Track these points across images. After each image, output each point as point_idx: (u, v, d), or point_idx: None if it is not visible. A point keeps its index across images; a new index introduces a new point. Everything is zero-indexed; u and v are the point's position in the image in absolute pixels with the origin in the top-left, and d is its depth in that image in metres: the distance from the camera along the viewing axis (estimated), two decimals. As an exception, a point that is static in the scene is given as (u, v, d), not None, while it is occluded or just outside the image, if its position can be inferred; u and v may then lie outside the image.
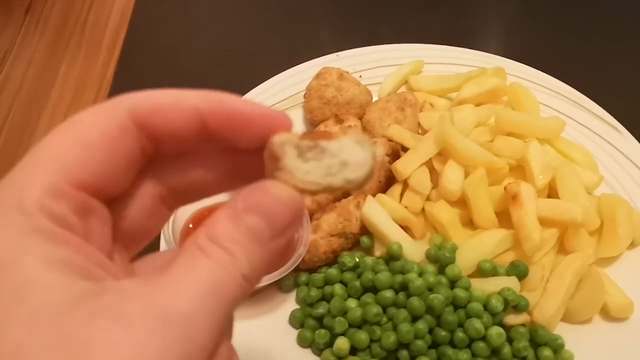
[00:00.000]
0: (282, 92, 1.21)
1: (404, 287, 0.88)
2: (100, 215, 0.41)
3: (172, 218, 0.88)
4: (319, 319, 0.90)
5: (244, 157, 0.47)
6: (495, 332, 0.84)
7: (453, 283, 0.89)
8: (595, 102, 1.20)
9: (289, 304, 0.95)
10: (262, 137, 0.44)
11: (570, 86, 1.23)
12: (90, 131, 0.40)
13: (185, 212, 0.95)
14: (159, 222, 0.48)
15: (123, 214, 0.45)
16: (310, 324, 0.90)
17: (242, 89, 1.20)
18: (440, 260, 0.91)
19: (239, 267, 0.39)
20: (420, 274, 0.89)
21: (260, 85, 1.21)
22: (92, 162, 0.40)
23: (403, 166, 1.00)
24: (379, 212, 0.96)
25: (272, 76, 1.23)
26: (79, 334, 0.33)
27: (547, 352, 0.87)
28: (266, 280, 0.89)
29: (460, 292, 0.86)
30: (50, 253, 0.36)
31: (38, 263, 0.35)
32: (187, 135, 0.44)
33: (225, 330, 0.39)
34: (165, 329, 0.35)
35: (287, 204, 0.42)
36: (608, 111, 1.18)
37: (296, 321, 0.91)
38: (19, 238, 0.36)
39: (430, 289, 0.87)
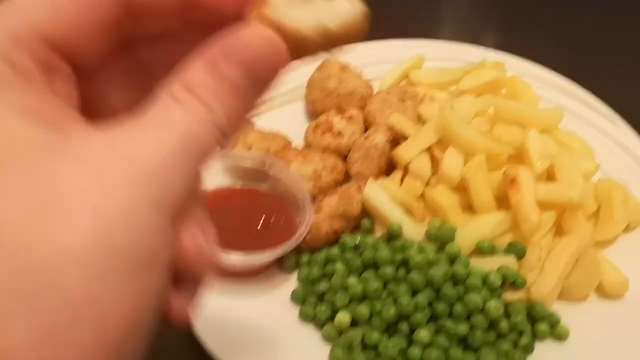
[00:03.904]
0: (283, 85, 1.22)
1: (404, 264, 0.90)
2: (65, 76, 0.39)
3: None
4: (320, 296, 0.92)
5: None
6: (494, 305, 0.85)
7: (452, 260, 0.91)
8: (590, 91, 1.22)
9: (291, 283, 0.96)
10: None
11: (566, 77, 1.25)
12: None
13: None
14: (124, 98, 0.45)
15: (90, 83, 0.42)
16: (312, 301, 0.92)
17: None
18: (440, 238, 0.93)
19: (215, 120, 0.38)
20: (420, 251, 0.91)
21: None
22: (59, 20, 0.37)
23: (404, 151, 1.02)
24: (380, 194, 0.98)
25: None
26: (47, 182, 0.33)
27: (543, 326, 0.89)
28: (268, 258, 0.90)
29: (459, 268, 0.88)
30: (12, 99, 0.35)
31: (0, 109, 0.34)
32: (168, 7, 0.41)
33: (194, 184, 0.39)
34: (137, 180, 0.34)
35: (266, 51, 0.39)
36: (602, 100, 1.21)
37: (298, 298, 0.93)
38: None
39: (430, 265, 0.89)
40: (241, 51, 0.38)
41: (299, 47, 0.41)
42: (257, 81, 0.39)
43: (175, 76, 0.38)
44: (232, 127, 0.39)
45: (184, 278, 0.42)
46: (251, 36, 0.39)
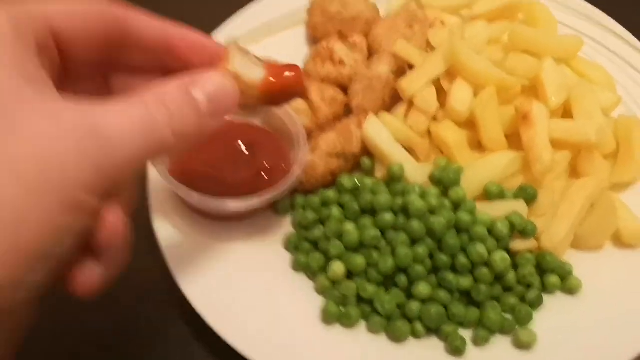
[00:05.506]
0: (283, 7, 1.14)
1: (404, 210, 0.83)
2: (53, 57, 0.50)
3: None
4: (315, 243, 0.86)
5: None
6: (499, 257, 0.79)
7: (457, 206, 0.84)
8: (616, 20, 1.13)
9: (285, 227, 0.90)
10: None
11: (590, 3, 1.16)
12: None
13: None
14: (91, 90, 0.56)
15: (71, 70, 0.53)
16: (306, 248, 0.86)
17: (242, 2, 1.13)
18: (444, 181, 0.86)
19: (172, 122, 0.47)
20: (422, 196, 0.84)
21: (262, -1, 1.15)
22: (64, 19, 0.49)
23: (409, 83, 0.95)
24: (381, 131, 0.91)
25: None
26: (15, 118, 0.41)
27: (554, 279, 0.83)
28: (258, 203, 0.84)
29: (463, 216, 0.82)
30: (11, 59, 0.44)
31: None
32: (151, 46, 0.55)
33: (137, 167, 0.47)
34: (91, 137, 0.42)
35: (229, 92, 0.53)
36: (630, 30, 1.12)
37: (291, 245, 0.87)
38: None
39: (432, 212, 0.82)
40: (209, 82, 0.51)
41: (247, 95, 0.55)
42: (214, 109, 0.51)
43: (149, 89, 0.48)
44: (182, 136, 0.49)
45: (101, 252, 0.48)
46: (218, 76, 0.53)
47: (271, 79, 0.57)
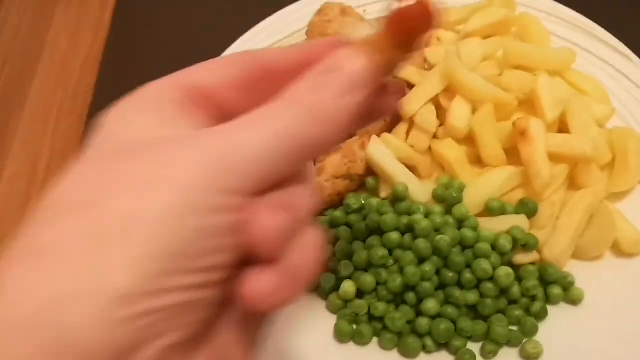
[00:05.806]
0: (283, 30, 1.18)
1: (410, 229, 0.86)
2: (207, 106, 0.48)
3: None
4: (324, 262, 0.89)
5: None
6: (504, 272, 0.82)
7: (460, 223, 0.88)
8: (607, 30, 1.16)
9: (295, 248, 0.93)
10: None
11: (582, 14, 1.19)
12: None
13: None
14: None
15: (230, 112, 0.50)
16: (316, 268, 0.89)
17: (243, 27, 1.16)
18: (447, 200, 0.89)
19: (303, 109, 0.43)
20: (427, 215, 0.88)
21: (262, 22, 1.18)
22: (211, 77, 0.48)
23: (408, 104, 0.98)
24: (384, 152, 0.94)
25: (272, 13, 1.20)
26: (155, 161, 0.40)
27: (557, 290, 0.86)
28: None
29: (467, 233, 0.85)
30: (161, 116, 0.45)
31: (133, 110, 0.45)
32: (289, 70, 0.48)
33: (291, 166, 0.43)
34: (208, 133, 0.42)
35: (353, 58, 0.45)
36: (621, 40, 1.14)
37: (301, 266, 0.90)
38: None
39: (437, 230, 0.86)
40: (328, 61, 0.45)
41: (379, 51, 0.46)
42: (347, 81, 0.44)
43: (281, 92, 0.45)
44: (325, 124, 0.44)
45: (259, 255, 0.43)
46: (338, 53, 0.45)
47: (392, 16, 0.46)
